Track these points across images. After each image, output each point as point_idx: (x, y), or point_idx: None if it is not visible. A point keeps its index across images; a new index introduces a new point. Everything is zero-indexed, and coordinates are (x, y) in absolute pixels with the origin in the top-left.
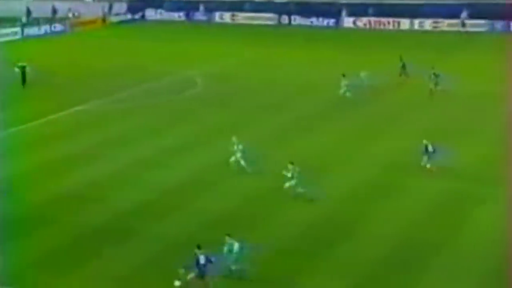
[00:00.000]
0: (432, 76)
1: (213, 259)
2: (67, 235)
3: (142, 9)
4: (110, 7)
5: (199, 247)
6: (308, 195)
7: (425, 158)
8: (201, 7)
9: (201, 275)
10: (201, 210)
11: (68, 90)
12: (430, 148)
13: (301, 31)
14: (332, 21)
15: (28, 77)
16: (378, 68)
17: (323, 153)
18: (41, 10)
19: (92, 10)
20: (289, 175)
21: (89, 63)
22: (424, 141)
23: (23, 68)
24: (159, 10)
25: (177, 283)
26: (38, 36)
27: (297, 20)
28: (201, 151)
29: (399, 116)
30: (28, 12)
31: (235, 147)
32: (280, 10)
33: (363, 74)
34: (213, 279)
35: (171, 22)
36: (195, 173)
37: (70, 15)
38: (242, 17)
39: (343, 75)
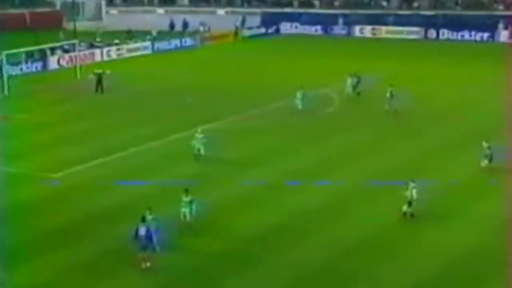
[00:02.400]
0: (388, 95)
1: (153, 232)
2: (190, 260)
3: (277, 22)
4: (243, 20)
5: (143, 220)
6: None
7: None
8: (340, 21)
9: (143, 247)
10: (335, 238)
11: (198, 107)
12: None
13: (450, 46)
14: (486, 35)
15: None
16: None
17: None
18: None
19: (224, 24)
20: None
21: (219, 79)
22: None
23: (99, 75)
24: (294, 24)
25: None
26: (168, 51)
27: (445, 34)
28: (332, 175)
29: None
30: (172, 25)
31: (197, 136)
32: (426, 23)
33: None
34: (155, 252)
35: (308, 37)
36: (325, 198)
37: (201, 28)
38: (385, 31)
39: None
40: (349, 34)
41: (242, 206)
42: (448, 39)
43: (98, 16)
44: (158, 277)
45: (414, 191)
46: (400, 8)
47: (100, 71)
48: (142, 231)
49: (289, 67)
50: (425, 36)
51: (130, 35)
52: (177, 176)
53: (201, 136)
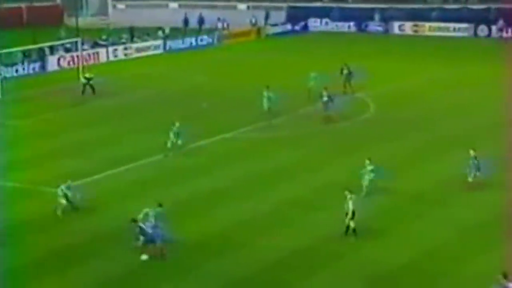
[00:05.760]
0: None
1: (159, 224)
2: (206, 284)
3: (305, 18)
4: (267, 16)
5: (134, 220)
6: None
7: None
8: (376, 16)
9: (152, 240)
10: (371, 260)
11: (215, 113)
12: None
13: (505, 44)
14: None
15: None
16: None
17: None
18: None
19: (245, 20)
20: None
21: (239, 82)
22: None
23: (87, 80)
24: (324, 20)
25: (143, 256)
26: (181, 50)
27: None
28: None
29: None
30: (186, 21)
31: (173, 129)
32: (477, 18)
33: None
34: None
35: (340, 34)
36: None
37: (219, 25)
38: (428, 28)
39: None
40: (386, 31)
41: (267, 225)
42: (501, 37)
43: (103, 11)
44: None
45: (350, 202)
46: (446, 1)
47: (89, 75)
48: (148, 226)
49: (319, 68)
50: (475, 34)
51: (132, 33)
52: (193, 192)
53: (177, 126)
